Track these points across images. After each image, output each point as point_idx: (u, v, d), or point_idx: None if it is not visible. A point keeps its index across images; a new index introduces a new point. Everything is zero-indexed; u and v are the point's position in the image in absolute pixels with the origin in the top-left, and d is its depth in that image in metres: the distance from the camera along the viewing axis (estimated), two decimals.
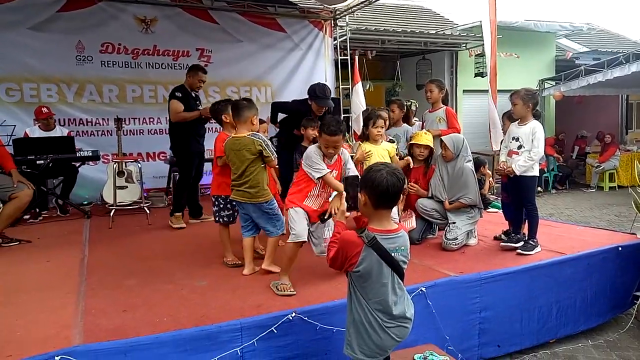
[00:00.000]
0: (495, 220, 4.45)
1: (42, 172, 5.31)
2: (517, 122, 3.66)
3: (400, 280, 2.00)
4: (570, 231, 4.24)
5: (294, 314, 2.50)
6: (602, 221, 7.51)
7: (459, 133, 4.12)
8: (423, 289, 2.82)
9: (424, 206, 3.92)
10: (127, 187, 5.83)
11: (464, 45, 10.57)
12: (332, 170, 3.03)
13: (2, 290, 3.10)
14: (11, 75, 6.11)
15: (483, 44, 10.22)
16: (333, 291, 2.83)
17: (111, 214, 5.14)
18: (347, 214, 2.22)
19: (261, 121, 4.15)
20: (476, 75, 10.34)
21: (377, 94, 11.30)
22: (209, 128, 5.37)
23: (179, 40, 7.04)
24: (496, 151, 4.29)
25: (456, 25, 11.86)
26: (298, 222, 2.96)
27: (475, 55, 10.50)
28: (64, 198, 5.78)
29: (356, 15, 9.12)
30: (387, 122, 4.32)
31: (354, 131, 7.03)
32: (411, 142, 4.11)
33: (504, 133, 3.94)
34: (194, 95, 4.96)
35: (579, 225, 4.83)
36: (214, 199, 3.62)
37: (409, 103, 5.03)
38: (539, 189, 9.93)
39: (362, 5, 7.70)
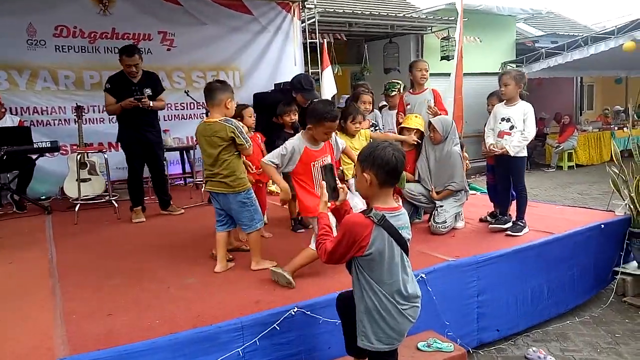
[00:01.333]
0: (477, 203, 4.48)
1: None
2: (503, 102, 3.64)
3: (407, 259, 1.94)
4: (551, 211, 4.32)
5: (296, 309, 2.38)
6: (566, 199, 7.78)
7: (447, 115, 4.05)
8: (423, 275, 2.76)
9: (410, 191, 3.86)
10: (90, 179, 5.46)
11: (430, 28, 10.61)
12: (323, 156, 2.87)
13: None
14: None
15: (448, 28, 10.45)
16: (331, 282, 2.72)
17: (76, 208, 4.80)
18: (329, 204, 2.09)
19: (245, 106, 3.94)
20: (442, 58, 10.41)
21: (342, 78, 11.18)
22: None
23: (139, 22, 6.61)
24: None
25: (421, 10, 11.88)
26: None
27: (441, 39, 10.57)
28: (20, 193, 5.36)
29: None
30: (372, 105, 4.23)
31: None
32: (401, 126, 4.01)
33: (489, 113, 3.91)
34: (135, 81, 4.57)
35: (557, 205, 4.95)
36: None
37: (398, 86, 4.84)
38: None
39: None
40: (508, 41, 12.60)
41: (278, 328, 2.31)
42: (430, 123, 3.79)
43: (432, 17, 10.41)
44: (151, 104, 4.55)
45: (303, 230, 3.88)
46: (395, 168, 1.86)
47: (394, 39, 10.64)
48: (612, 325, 3.42)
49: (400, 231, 1.87)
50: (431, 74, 12.47)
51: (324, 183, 2.07)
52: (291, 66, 7.73)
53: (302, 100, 4.05)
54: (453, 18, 10.07)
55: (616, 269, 3.85)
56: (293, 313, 2.36)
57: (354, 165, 2.00)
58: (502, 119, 3.58)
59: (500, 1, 11.71)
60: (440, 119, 3.79)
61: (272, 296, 2.58)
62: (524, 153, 3.56)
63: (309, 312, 2.40)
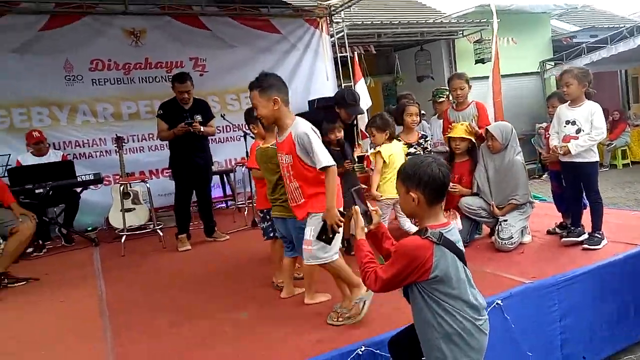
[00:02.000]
0: (539, 212, 4.09)
1: (41, 201, 4.90)
2: (568, 103, 3.33)
3: (468, 270, 1.82)
4: (626, 218, 3.94)
5: (363, 348, 2.16)
6: (629, 200, 7.25)
7: None
8: (499, 301, 2.48)
9: (468, 205, 3.59)
10: (134, 209, 5.44)
11: (461, 32, 10.30)
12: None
13: (15, 342, 2.72)
14: None
15: (481, 30, 10.13)
16: (396, 314, 2.48)
17: (122, 240, 4.76)
18: (365, 229, 1.94)
19: None
20: (477, 62, 10.08)
21: (375, 89, 10.99)
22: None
23: (170, 50, 6.65)
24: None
25: (450, 15, 11.60)
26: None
27: (474, 42, 10.25)
28: (67, 226, 5.38)
29: (351, 11, 8.81)
30: (419, 116, 4.00)
31: (361, 130, 6.73)
32: (447, 136, 3.77)
33: (551, 116, 3.60)
34: (186, 108, 4.61)
35: (631, 210, 4.54)
36: (261, 214, 3.27)
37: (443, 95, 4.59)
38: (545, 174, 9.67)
39: None
40: (544, 39, 12.12)
41: None
42: (487, 131, 3.52)
43: (462, 20, 10.11)
44: (202, 129, 4.55)
45: None
46: (443, 184, 1.78)
47: (424, 46, 10.39)
48: None
49: (457, 244, 1.78)
50: None
51: (357, 208, 1.95)
52: (323, 81, 7.63)
53: (346, 115, 3.87)
54: (485, 20, 9.77)
55: None
56: (360, 353, 2.15)
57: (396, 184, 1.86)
58: (567, 122, 3.27)
59: None
60: (498, 126, 3.53)
61: (333, 333, 2.37)
62: (595, 158, 3.23)
63: (377, 351, 2.18)
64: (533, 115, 11.33)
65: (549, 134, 3.58)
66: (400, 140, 3.90)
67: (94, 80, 6.21)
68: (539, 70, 11.60)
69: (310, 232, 2.47)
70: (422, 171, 1.76)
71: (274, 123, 2.56)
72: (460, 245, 1.79)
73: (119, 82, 6.38)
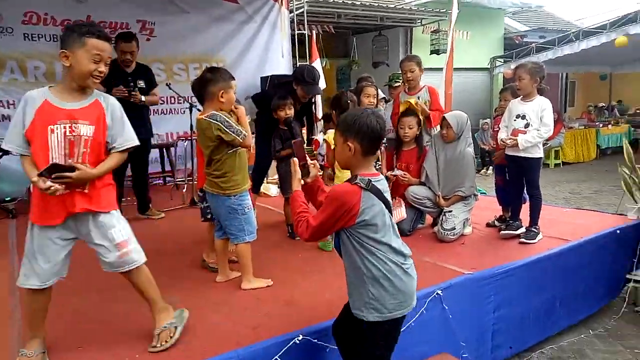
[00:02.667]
0: (480, 205, 4.15)
1: None
2: (520, 98, 3.36)
3: (394, 222, 1.91)
4: (559, 214, 4.10)
5: (300, 337, 2.07)
6: (558, 199, 7.65)
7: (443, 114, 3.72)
8: (439, 291, 2.48)
9: (414, 194, 3.58)
10: None
11: (420, 21, 10.34)
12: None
13: None
14: None
15: (439, 21, 10.21)
16: (339, 303, 2.40)
17: None
18: (302, 182, 2.00)
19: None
20: (432, 52, 10.17)
21: (329, 72, 10.85)
22: None
23: (116, 10, 6.12)
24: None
25: (410, 2, 11.61)
26: None
27: (431, 32, 10.32)
28: None
29: None
30: (376, 99, 3.90)
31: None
32: (398, 117, 3.67)
33: (502, 109, 3.63)
34: (128, 71, 4.24)
35: (564, 208, 4.74)
36: (201, 194, 3.00)
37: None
38: (489, 169, 10.04)
39: None
40: (496, 36, 12.45)
41: None
42: (443, 118, 3.49)
43: (423, 9, 10.14)
44: (143, 99, 4.19)
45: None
46: (380, 136, 1.85)
47: (382, 32, 10.35)
48: (629, 340, 3.21)
49: (384, 194, 1.86)
50: None
51: (295, 160, 1.99)
52: (278, 58, 7.37)
53: (302, 93, 3.71)
54: (444, 11, 9.84)
55: (628, 276, 3.66)
56: (297, 341, 2.06)
57: (335, 137, 1.87)
58: (517, 116, 3.30)
59: None
60: (455, 115, 3.50)
61: (271, 320, 2.27)
62: (540, 154, 3.30)
63: (315, 340, 2.10)
64: (479, 110, 11.66)
65: (498, 127, 3.61)
66: None
67: (26, 35, 5.62)
68: (488, 66, 11.91)
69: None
70: (362, 122, 1.81)
71: None
72: (388, 195, 1.86)
73: (55, 40, 5.80)
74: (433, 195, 3.58)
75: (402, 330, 1.94)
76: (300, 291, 2.60)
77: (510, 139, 3.25)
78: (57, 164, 1.85)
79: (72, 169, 1.87)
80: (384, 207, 1.82)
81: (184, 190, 5.33)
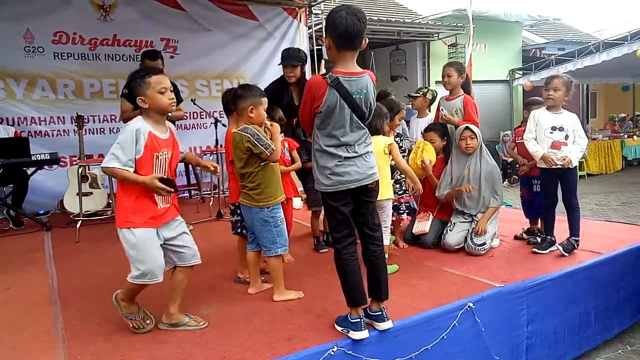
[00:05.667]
0: (505, 217, 4.09)
1: None
2: (546, 109, 3.30)
3: (360, 122, 2.14)
4: (589, 226, 4.01)
5: (335, 348, 2.08)
6: (585, 210, 7.50)
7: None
8: (471, 304, 2.46)
9: (449, 247, 3.43)
10: (92, 193, 5.17)
11: (437, 35, 10.40)
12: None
13: None
14: None
15: (456, 34, 10.26)
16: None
17: (77, 225, 4.49)
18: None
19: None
20: None
21: None
22: None
23: (141, 29, 6.33)
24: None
25: (427, 17, 11.70)
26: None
27: (449, 45, 10.37)
28: (17, 208, 5.03)
29: (332, 3, 8.71)
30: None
31: None
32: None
33: (525, 121, 3.60)
34: None
35: (594, 220, 4.66)
36: (232, 207, 3.09)
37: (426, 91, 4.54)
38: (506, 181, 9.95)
39: None
40: (514, 48, 12.44)
41: None
42: (467, 128, 3.46)
43: (440, 23, 10.21)
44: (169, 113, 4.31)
45: (326, 249, 3.57)
46: (347, 32, 1.98)
47: (400, 46, 10.43)
48: None
49: (354, 95, 2.05)
50: (437, 82, 12.43)
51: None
52: None
53: (285, 71, 3.90)
54: (461, 25, 9.90)
55: None
56: (332, 353, 2.07)
57: None
58: (554, 128, 3.23)
59: (507, 8, 11.58)
60: (473, 126, 3.49)
61: (304, 331, 2.28)
62: (577, 164, 3.26)
63: (350, 352, 2.11)
64: (499, 122, 11.61)
65: (521, 138, 3.56)
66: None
67: (56, 54, 5.84)
68: (507, 79, 11.88)
69: None
70: (332, 17, 2.01)
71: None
72: (359, 96, 2.06)
73: (83, 58, 6.03)
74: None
75: (434, 342, 1.96)
76: (331, 303, 2.60)
77: (562, 158, 3.16)
78: (170, 178, 2.30)
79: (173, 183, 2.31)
80: (345, 105, 2.04)
81: (210, 203, 5.40)
